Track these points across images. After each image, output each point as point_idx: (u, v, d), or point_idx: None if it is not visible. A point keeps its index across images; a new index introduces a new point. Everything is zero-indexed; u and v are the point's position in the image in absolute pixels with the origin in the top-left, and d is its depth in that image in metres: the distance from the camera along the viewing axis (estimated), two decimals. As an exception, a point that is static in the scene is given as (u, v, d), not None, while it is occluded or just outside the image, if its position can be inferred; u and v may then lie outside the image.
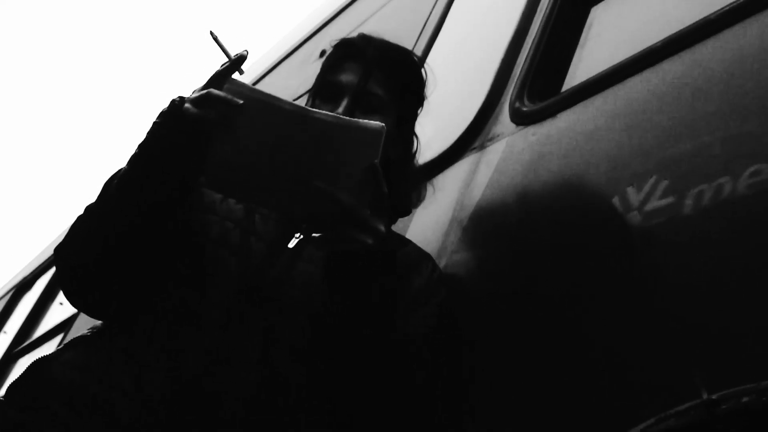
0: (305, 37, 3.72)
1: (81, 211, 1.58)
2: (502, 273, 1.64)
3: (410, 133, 1.76)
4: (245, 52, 1.45)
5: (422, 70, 1.77)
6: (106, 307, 1.60)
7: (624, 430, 1.14)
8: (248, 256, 1.56)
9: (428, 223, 1.90)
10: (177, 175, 1.47)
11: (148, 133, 1.50)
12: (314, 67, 3.35)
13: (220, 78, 1.41)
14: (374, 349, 1.45)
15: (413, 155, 1.76)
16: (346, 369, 1.45)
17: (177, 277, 1.55)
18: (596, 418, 1.23)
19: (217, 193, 1.58)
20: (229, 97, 1.36)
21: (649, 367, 1.21)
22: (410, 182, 1.72)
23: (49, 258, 6.10)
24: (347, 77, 1.64)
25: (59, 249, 1.57)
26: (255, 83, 3.91)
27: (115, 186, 1.51)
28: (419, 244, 1.74)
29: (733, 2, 1.45)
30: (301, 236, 1.60)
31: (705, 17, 1.50)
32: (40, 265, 6.30)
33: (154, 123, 1.50)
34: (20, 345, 5.16)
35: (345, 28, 3.38)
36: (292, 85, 3.40)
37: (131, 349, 1.50)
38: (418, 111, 1.77)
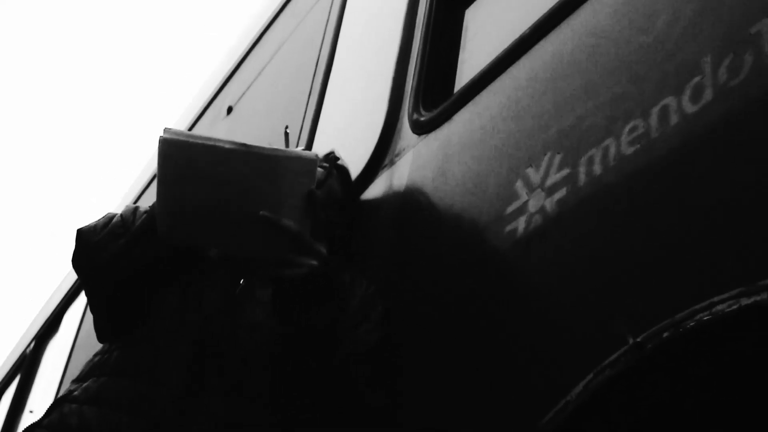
0: (212, 95, 3.79)
1: None
2: (432, 281, 1.70)
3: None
4: None
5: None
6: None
7: (568, 391, 1.21)
8: (202, 310, 1.64)
9: (357, 246, 1.97)
10: None
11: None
12: (225, 124, 3.42)
13: None
14: (322, 376, 1.54)
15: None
16: (303, 399, 1.55)
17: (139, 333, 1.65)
18: (538, 385, 1.30)
19: (168, 242, 1.65)
20: None
21: (573, 327, 1.29)
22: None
23: (12, 368, 6.02)
24: None
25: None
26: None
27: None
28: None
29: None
30: (243, 281, 1.68)
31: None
32: (4, 378, 6.22)
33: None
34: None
35: (247, 78, 3.45)
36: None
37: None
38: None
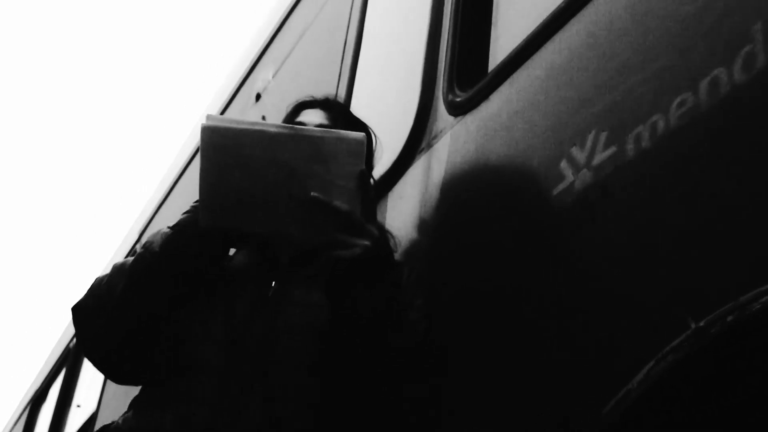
0: (240, 82, 3.76)
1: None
2: (473, 267, 1.67)
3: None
4: None
5: (374, 138, 1.88)
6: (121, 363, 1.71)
7: (629, 380, 1.17)
8: (233, 319, 1.61)
9: (397, 230, 1.94)
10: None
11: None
12: (254, 111, 3.40)
13: None
14: (376, 361, 1.51)
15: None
16: (351, 394, 1.53)
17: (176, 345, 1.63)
18: (597, 372, 1.26)
19: (212, 227, 1.63)
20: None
21: (630, 311, 1.25)
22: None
23: (57, 363, 6.09)
24: (306, 117, 1.78)
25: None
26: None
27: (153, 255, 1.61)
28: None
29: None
30: (275, 284, 1.65)
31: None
32: (49, 373, 6.30)
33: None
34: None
35: (274, 63, 3.42)
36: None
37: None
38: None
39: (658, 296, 1.21)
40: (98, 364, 1.71)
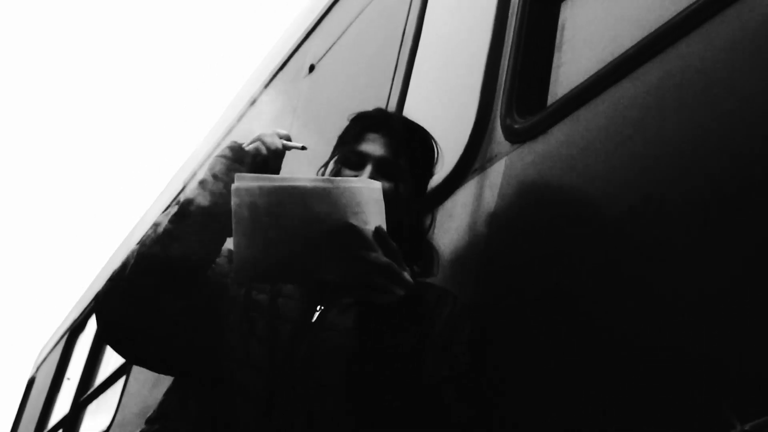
0: (291, 51, 3.73)
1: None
2: (523, 297, 1.67)
3: (423, 205, 1.87)
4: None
5: (435, 146, 1.87)
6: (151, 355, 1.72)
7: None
8: (276, 342, 1.62)
9: (444, 251, 1.94)
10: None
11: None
12: (307, 82, 3.37)
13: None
14: (406, 396, 1.52)
15: (426, 229, 1.87)
16: (383, 418, 1.54)
17: (211, 373, 1.64)
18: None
19: (250, 281, 1.63)
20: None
21: (679, 398, 1.24)
22: (424, 246, 1.80)
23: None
24: (369, 147, 1.77)
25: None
26: (261, 93, 3.91)
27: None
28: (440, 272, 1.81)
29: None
30: (322, 308, 1.66)
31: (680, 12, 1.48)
32: (88, 305, 6.42)
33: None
34: (85, 392, 5.29)
35: (330, 37, 3.38)
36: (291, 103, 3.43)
37: None
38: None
39: (709, 389, 1.20)
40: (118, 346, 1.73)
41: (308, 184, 1.44)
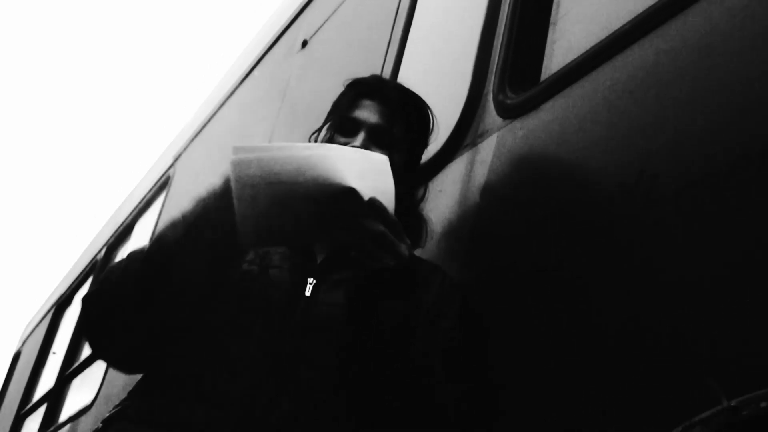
0: (284, 27, 3.70)
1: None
2: (510, 273, 1.66)
3: (415, 177, 1.85)
4: None
5: (431, 116, 1.84)
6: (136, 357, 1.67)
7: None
8: (270, 310, 1.61)
9: (435, 227, 1.92)
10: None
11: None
12: (299, 58, 3.35)
13: None
14: (396, 367, 1.51)
15: (419, 200, 1.85)
16: (374, 392, 1.53)
17: (205, 336, 1.61)
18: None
19: (254, 247, 1.63)
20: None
21: (665, 375, 1.23)
22: (413, 218, 1.77)
23: (83, 271, 6.19)
24: (363, 114, 1.74)
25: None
26: (253, 68, 3.88)
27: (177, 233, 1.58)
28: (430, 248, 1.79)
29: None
30: (315, 281, 1.64)
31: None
32: (75, 279, 6.39)
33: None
34: (71, 366, 5.28)
35: (323, 12, 3.36)
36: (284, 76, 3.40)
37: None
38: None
39: (697, 363, 1.19)
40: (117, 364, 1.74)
41: (303, 152, 1.44)
